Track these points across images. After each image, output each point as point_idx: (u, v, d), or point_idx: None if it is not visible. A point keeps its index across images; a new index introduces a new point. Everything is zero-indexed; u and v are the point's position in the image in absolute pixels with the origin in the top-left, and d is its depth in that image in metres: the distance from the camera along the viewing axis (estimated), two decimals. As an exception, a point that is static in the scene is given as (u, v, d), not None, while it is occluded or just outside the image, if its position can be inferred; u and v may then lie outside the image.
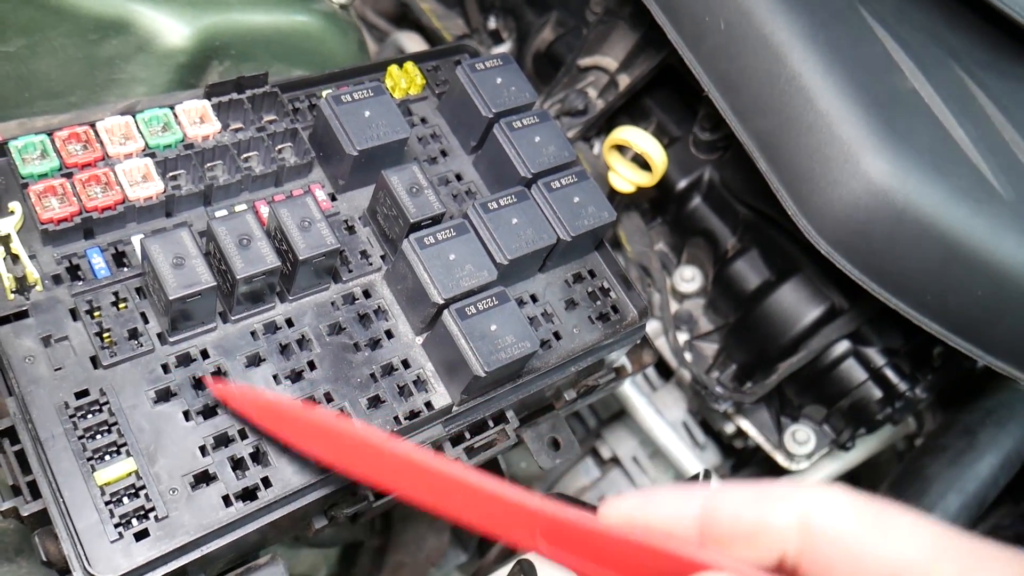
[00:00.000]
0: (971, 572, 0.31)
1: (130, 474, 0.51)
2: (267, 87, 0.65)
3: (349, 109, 0.63)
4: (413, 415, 0.59)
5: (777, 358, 0.90)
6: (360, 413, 0.57)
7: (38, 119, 0.60)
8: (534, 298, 0.67)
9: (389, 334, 0.61)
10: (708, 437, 1.13)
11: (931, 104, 0.72)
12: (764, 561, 0.34)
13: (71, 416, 0.52)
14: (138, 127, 0.60)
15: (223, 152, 0.62)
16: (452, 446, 0.62)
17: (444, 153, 0.71)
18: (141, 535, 0.50)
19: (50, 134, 0.58)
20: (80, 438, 0.51)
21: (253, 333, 0.58)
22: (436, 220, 0.61)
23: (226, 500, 0.53)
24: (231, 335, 0.57)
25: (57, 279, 0.56)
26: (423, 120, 0.72)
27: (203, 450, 0.53)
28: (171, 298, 0.52)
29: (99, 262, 0.57)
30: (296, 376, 0.58)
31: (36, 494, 0.51)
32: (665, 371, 1.12)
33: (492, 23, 1.14)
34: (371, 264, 0.63)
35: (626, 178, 0.87)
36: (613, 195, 0.93)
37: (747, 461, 1.17)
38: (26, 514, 0.50)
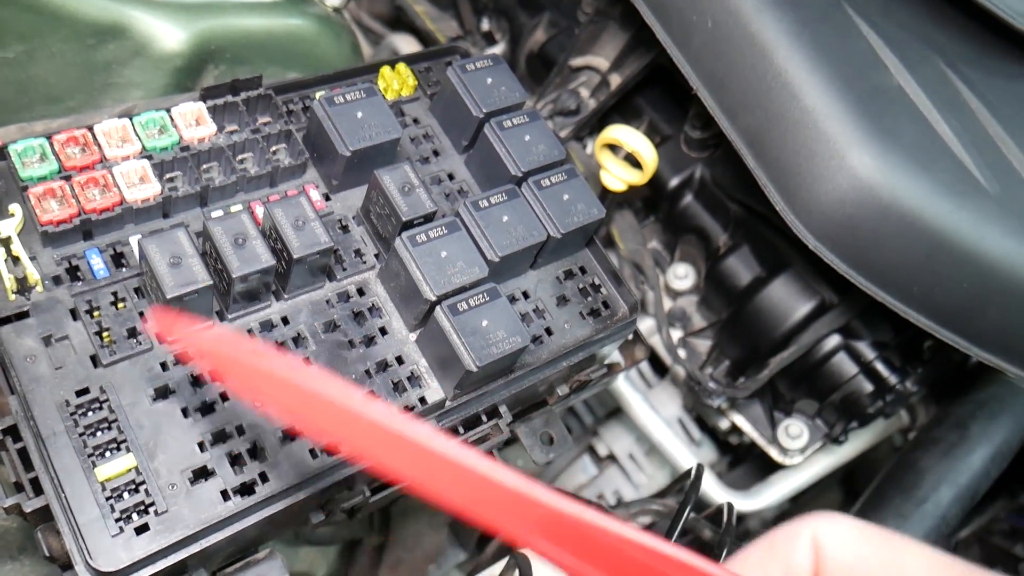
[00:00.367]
0: None
1: (130, 470, 0.52)
2: (261, 90, 0.66)
3: (342, 110, 0.64)
4: (407, 410, 0.60)
5: (769, 353, 0.91)
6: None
7: (37, 123, 0.61)
8: (526, 295, 0.68)
9: (383, 331, 0.62)
10: (704, 434, 1.14)
11: (916, 100, 0.73)
12: None
13: (72, 414, 0.53)
14: (135, 130, 0.61)
15: (219, 154, 0.63)
16: (446, 441, 0.63)
17: (436, 153, 0.72)
18: (141, 529, 0.51)
19: (49, 138, 0.59)
20: (81, 435, 0.52)
21: (249, 331, 0.59)
22: (428, 218, 0.62)
23: (224, 495, 0.54)
24: (228, 333, 0.58)
25: (57, 280, 0.57)
26: (415, 121, 0.73)
27: (201, 446, 0.54)
28: (168, 297, 0.53)
29: (98, 263, 0.58)
30: (292, 373, 0.59)
31: (38, 490, 0.52)
32: (660, 368, 1.13)
33: (485, 25, 1.15)
34: (365, 263, 0.64)
35: (618, 176, 0.88)
36: (606, 194, 0.94)
37: (743, 457, 1.18)
38: (29, 510, 0.51)
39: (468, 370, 0.58)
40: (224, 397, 0.56)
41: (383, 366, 0.61)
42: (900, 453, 0.95)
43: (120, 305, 0.57)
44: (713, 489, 1.01)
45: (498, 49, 1.13)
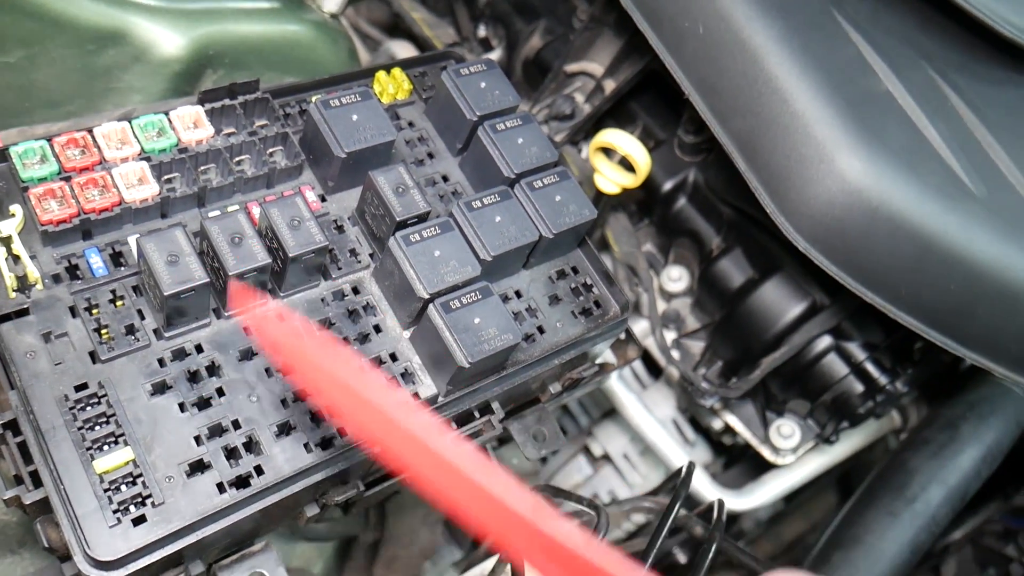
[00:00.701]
0: None
1: (128, 463, 0.53)
2: (259, 93, 0.68)
3: (337, 113, 0.65)
4: (401, 407, 0.61)
5: (761, 354, 0.92)
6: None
7: (38, 126, 0.62)
8: (518, 294, 0.69)
9: (377, 329, 0.63)
10: (698, 434, 1.15)
11: (904, 105, 0.75)
12: None
13: (71, 408, 0.54)
14: (134, 132, 0.63)
15: (216, 156, 0.64)
16: (439, 437, 0.64)
17: (431, 155, 0.73)
18: (139, 520, 0.52)
19: (49, 140, 0.60)
20: (80, 429, 0.53)
21: (246, 328, 0.60)
22: (422, 218, 0.64)
23: (220, 487, 0.55)
24: (224, 330, 0.60)
25: (57, 278, 0.58)
26: (411, 124, 0.74)
27: (198, 440, 0.56)
28: (166, 294, 0.54)
29: (97, 261, 0.59)
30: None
31: (38, 483, 0.53)
32: (655, 369, 1.14)
33: (482, 31, 1.16)
34: (360, 262, 0.65)
35: (612, 180, 0.89)
36: (600, 197, 0.95)
37: (737, 458, 1.19)
38: (28, 502, 0.52)
39: (460, 366, 0.59)
40: (220, 392, 0.57)
41: (378, 363, 0.62)
42: (892, 453, 0.95)
43: (119, 303, 0.58)
44: (706, 488, 1.02)
45: (495, 55, 1.14)
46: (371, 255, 0.66)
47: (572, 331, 0.69)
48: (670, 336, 1.03)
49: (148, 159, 0.62)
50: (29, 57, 0.78)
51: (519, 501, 0.40)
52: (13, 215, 0.58)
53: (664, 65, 0.78)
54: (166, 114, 0.64)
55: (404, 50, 1.19)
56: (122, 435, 0.54)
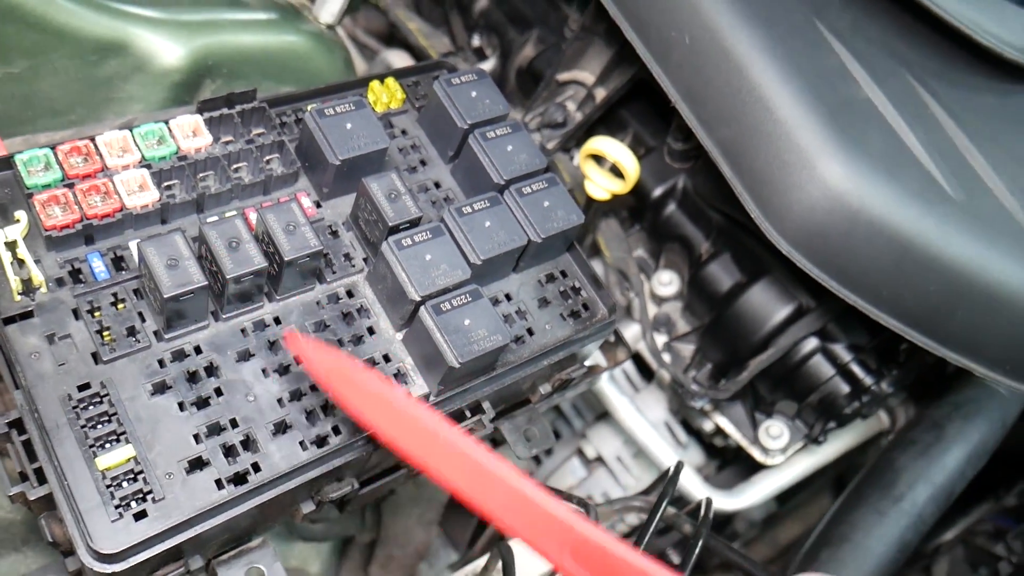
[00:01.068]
0: None
1: (129, 460, 0.55)
2: (256, 102, 0.70)
3: (332, 122, 0.67)
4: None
5: (749, 356, 0.94)
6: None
7: (42, 135, 0.64)
8: (508, 297, 0.71)
9: (371, 331, 0.65)
10: (690, 437, 1.17)
11: (884, 112, 0.76)
12: None
13: (74, 407, 0.56)
14: (135, 140, 0.65)
15: (214, 163, 0.66)
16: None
17: (423, 163, 0.75)
18: (140, 515, 0.54)
19: (53, 148, 0.62)
20: (82, 427, 0.55)
21: (243, 330, 0.62)
22: (413, 224, 0.66)
23: (218, 483, 0.57)
24: (222, 332, 0.62)
25: (60, 282, 0.60)
26: (404, 132, 0.76)
27: (197, 438, 0.58)
28: (166, 297, 0.56)
29: (99, 266, 0.61)
30: (284, 370, 0.62)
31: (42, 479, 0.55)
32: (647, 373, 1.16)
33: (476, 41, 1.18)
34: (354, 266, 0.67)
35: (602, 186, 0.91)
36: (591, 203, 0.97)
37: (729, 461, 1.20)
38: (33, 498, 0.54)
39: (451, 366, 0.61)
40: (218, 392, 0.59)
41: (371, 364, 0.64)
42: (879, 453, 0.97)
43: (120, 306, 0.60)
44: (698, 489, 1.04)
45: (489, 64, 1.16)
46: (365, 259, 0.68)
47: (561, 333, 0.71)
48: (661, 339, 1.04)
49: (148, 166, 0.64)
50: (33, 68, 0.79)
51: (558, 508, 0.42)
52: (18, 221, 0.60)
53: (652, 74, 0.80)
54: (166, 123, 0.66)
55: (400, 60, 1.21)
56: (123, 433, 0.56)
